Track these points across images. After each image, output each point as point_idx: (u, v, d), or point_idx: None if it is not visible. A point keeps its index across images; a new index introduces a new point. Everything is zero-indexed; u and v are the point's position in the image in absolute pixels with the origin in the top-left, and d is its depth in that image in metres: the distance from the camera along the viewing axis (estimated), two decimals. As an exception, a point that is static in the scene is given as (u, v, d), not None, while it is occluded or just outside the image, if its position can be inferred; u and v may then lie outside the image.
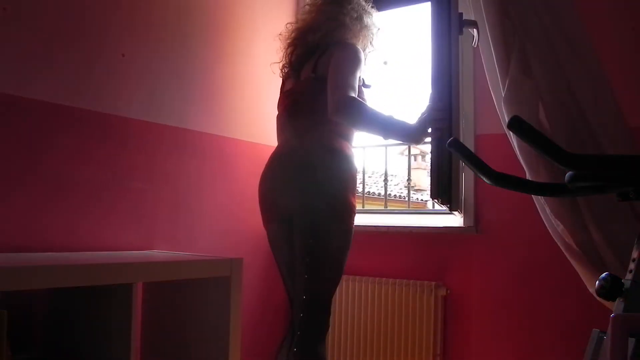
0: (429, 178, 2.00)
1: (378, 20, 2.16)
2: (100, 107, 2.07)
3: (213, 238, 2.48)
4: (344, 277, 2.33)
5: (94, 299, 1.75)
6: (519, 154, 1.85)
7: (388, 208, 3.10)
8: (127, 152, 2.16)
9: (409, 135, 1.87)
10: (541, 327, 2.18)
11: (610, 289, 1.13)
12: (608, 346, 0.99)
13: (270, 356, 2.32)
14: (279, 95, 2.12)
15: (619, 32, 2.02)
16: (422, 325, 2.41)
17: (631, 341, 1.00)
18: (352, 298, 2.60)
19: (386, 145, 2.87)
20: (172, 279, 1.88)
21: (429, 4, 1.94)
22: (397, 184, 9.41)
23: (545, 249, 2.03)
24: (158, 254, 2.10)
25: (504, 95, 1.81)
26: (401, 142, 2.27)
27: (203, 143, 2.46)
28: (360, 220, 2.21)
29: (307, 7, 2.18)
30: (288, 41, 2.11)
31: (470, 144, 2.36)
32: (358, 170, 2.05)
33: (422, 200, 10.83)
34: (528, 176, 1.82)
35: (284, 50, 2.12)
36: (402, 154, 4.17)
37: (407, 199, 3.28)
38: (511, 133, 1.76)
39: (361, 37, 2.08)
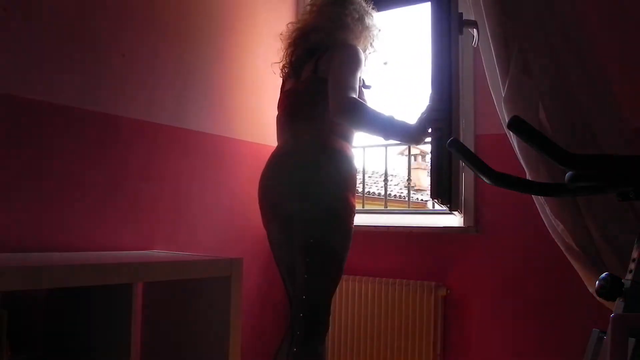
0: (429, 178, 2.00)
1: (379, 21, 2.16)
2: (100, 107, 2.07)
3: (213, 238, 2.48)
4: (344, 277, 2.33)
5: (94, 299, 1.75)
6: (519, 154, 1.85)
7: (388, 208, 3.10)
8: (127, 152, 2.16)
9: (409, 135, 1.87)
10: (541, 327, 2.18)
11: (610, 289, 1.13)
12: (608, 346, 0.99)
13: (270, 356, 2.32)
14: (279, 96, 2.12)
15: (619, 32, 2.02)
16: (422, 325, 2.41)
17: (631, 341, 1.00)
18: (352, 298, 2.60)
19: (386, 145, 2.87)
20: (172, 279, 1.88)
21: (429, 4, 1.94)
22: (397, 184, 9.41)
23: (545, 249, 2.03)
24: (158, 254, 2.10)
25: (504, 95, 1.81)
26: (401, 142, 2.27)
27: (203, 143, 2.46)
28: (360, 220, 2.21)
29: (308, 7, 2.18)
30: (289, 41, 2.11)
31: (470, 144, 2.36)
32: (358, 170, 2.05)
33: (422, 200, 10.83)
34: (528, 176, 1.82)
35: (284, 51, 2.12)
36: (402, 154, 4.17)
37: (407, 199, 3.29)
38: (511, 133, 1.76)
39: (362, 38, 2.08)
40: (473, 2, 1.93)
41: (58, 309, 1.85)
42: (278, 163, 1.96)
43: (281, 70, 2.14)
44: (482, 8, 1.86)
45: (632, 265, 1.13)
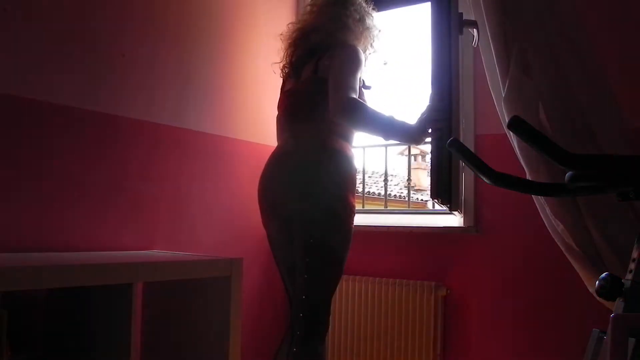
0: (429, 178, 2.00)
1: (379, 21, 2.16)
2: (100, 107, 2.07)
3: (213, 238, 2.48)
4: (344, 277, 2.33)
5: (94, 299, 1.75)
6: (519, 154, 1.85)
7: (388, 208, 3.10)
8: (127, 152, 2.16)
9: (410, 135, 1.87)
10: (541, 327, 2.18)
11: (610, 289, 1.13)
12: (608, 346, 0.99)
13: (270, 356, 2.33)
14: (279, 96, 2.12)
15: (619, 32, 2.02)
16: (422, 325, 2.41)
17: (631, 341, 1.00)
18: (352, 298, 2.60)
19: (386, 145, 2.87)
20: (172, 279, 1.88)
21: (429, 4, 1.94)
22: (397, 184, 9.41)
23: (545, 249, 2.03)
24: (158, 254, 2.10)
25: (504, 95, 1.81)
26: (401, 142, 2.27)
27: (203, 143, 2.46)
28: (360, 220, 2.21)
29: (308, 7, 2.18)
30: (289, 41, 2.11)
31: (470, 144, 2.36)
32: (358, 170, 2.05)
33: (422, 200, 10.83)
34: (528, 176, 1.82)
35: (284, 51, 2.12)
36: (402, 154, 4.18)
37: (407, 199, 3.29)
38: (511, 133, 1.76)
39: (362, 39, 2.08)
40: (473, 2, 1.93)
41: (58, 309, 1.85)
42: (278, 163, 1.96)
43: (281, 70, 2.14)
44: (482, 8, 1.86)
45: (632, 265, 1.13)
